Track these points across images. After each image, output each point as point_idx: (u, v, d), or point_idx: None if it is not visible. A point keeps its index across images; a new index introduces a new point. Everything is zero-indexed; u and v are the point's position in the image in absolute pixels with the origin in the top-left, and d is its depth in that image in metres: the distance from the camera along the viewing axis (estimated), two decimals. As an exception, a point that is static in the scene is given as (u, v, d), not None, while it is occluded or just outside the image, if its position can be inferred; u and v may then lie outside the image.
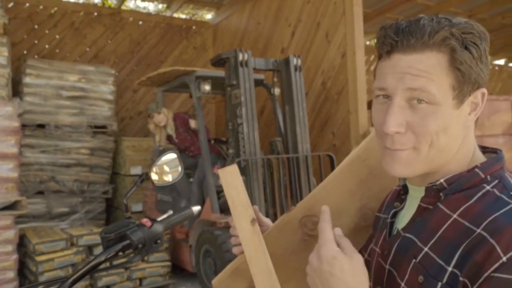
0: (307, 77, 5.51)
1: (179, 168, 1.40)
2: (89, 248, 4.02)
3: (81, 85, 5.71)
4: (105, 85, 5.89)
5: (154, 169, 1.36)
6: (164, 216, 1.34)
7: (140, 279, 4.17)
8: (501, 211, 0.69)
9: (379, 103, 0.81)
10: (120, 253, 1.20)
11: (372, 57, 10.31)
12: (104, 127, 5.82)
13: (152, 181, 1.36)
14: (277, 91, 4.50)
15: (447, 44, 0.73)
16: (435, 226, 0.77)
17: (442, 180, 0.78)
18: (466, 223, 0.72)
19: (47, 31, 6.72)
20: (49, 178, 5.46)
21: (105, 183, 5.87)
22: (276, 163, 4.04)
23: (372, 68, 10.34)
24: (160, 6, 7.98)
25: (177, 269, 4.59)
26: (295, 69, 4.20)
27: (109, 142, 5.88)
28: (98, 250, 4.03)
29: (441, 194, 0.78)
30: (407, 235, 0.82)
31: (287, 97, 4.24)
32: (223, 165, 4.91)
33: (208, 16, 8.45)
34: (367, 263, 1.09)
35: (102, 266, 1.16)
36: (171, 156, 1.40)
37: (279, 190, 4.00)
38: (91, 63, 6.46)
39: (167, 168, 1.39)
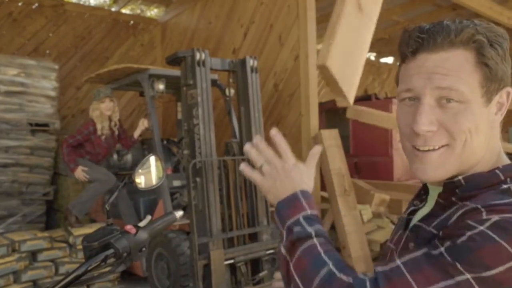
0: (259, 79, 5.51)
1: (161, 171, 1.34)
2: (33, 254, 3.77)
3: (20, 80, 5.35)
4: (47, 81, 5.57)
5: (137, 173, 1.29)
6: (146, 222, 1.28)
7: (88, 285, 3.97)
8: (506, 201, 0.70)
9: (406, 105, 0.81)
10: (103, 263, 1.13)
11: (319, 61, 10.53)
12: (45, 125, 5.50)
13: (135, 185, 1.29)
14: (232, 92, 4.47)
15: (475, 40, 0.74)
16: (446, 217, 0.78)
17: (460, 177, 0.79)
18: (473, 204, 0.73)
19: (-19, 21, 6.25)
20: (-16, 178, 5.07)
21: (46, 184, 5.54)
22: (232, 165, 4.01)
23: (318, 71, 10.56)
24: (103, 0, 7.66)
25: (126, 274, 4.42)
26: (251, 71, 4.19)
27: (51, 141, 5.56)
28: (42, 256, 3.79)
29: (457, 190, 0.79)
30: (418, 223, 0.84)
31: (243, 99, 4.21)
32: (174, 167, 4.80)
33: (153, 12, 8.24)
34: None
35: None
36: (153, 159, 1.33)
37: (235, 192, 3.97)
38: (31, 57, 6.08)
39: (150, 172, 1.32)
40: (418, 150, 0.79)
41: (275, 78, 5.66)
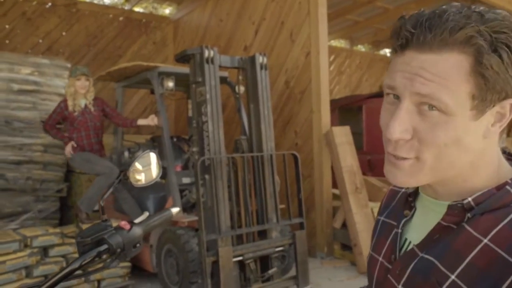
0: (270, 76, 5.47)
1: (158, 167, 1.34)
2: (44, 250, 3.82)
3: (34, 79, 5.42)
4: (60, 79, 5.63)
5: (132, 169, 1.28)
6: (142, 218, 1.27)
7: (99, 281, 4.01)
8: None
9: (388, 102, 0.73)
10: (97, 259, 1.13)
11: (332, 57, 10.46)
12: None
13: (130, 182, 1.28)
14: (241, 89, 4.46)
15: (473, 44, 0.63)
16: (461, 250, 0.69)
17: (470, 199, 0.70)
18: (504, 255, 0.63)
19: (-4, 20, 6.36)
20: (-2, 175, 5.16)
21: (59, 181, 5.61)
22: (241, 162, 4.00)
23: (331, 68, 10.50)
24: (117, -1, 7.73)
25: (136, 270, 4.46)
26: (261, 68, 4.17)
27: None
28: (54, 251, 3.84)
29: (468, 214, 0.70)
30: (426, 256, 0.74)
31: (252, 96, 4.20)
32: (184, 163, 4.82)
33: (167, 10, 8.27)
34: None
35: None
36: (150, 155, 1.32)
37: (244, 189, 3.96)
38: (44, 56, 6.16)
39: (146, 168, 1.31)
40: (390, 153, 0.72)
41: (286, 75, 5.63)
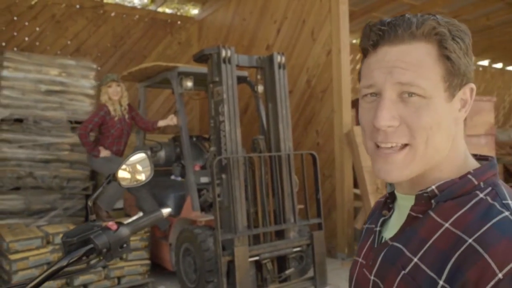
0: (292, 75, 5.47)
1: (149, 168, 1.34)
2: (66, 247, 3.93)
3: (61, 79, 5.57)
4: (86, 80, 5.77)
5: (122, 170, 1.29)
6: (133, 218, 1.28)
7: (119, 278, 4.09)
8: (493, 221, 0.66)
9: (367, 102, 0.77)
10: (84, 258, 1.15)
11: (358, 56, 10.30)
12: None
13: (119, 183, 1.29)
14: (260, 88, 4.44)
15: (436, 32, 0.72)
16: (425, 235, 0.73)
17: (433, 187, 0.74)
18: (459, 233, 0.68)
19: (26, 23, 6.57)
20: (27, 174, 5.32)
21: (85, 180, 5.74)
22: (258, 162, 3.99)
23: (358, 67, 10.33)
24: (145, 0, 7.85)
25: (156, 268, 4.52)
26: (279, 67, 4.14)
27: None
28: (75, 248, 3.93)
29: (432, 201, 0.75)
30: (395, 244, 0.78)
31: (270, 95, 4.18)
32: (204, 163, 4.84)
33: (194, 11, 8.34)
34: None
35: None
36: (140, 155, 1.34)
37: (261, 188, 3.94)
38: (73, 57, 6.32)
39: (137, 168, 1.32)
40: (381, 149, 0.75)
41: (307, 74, 5.59)
